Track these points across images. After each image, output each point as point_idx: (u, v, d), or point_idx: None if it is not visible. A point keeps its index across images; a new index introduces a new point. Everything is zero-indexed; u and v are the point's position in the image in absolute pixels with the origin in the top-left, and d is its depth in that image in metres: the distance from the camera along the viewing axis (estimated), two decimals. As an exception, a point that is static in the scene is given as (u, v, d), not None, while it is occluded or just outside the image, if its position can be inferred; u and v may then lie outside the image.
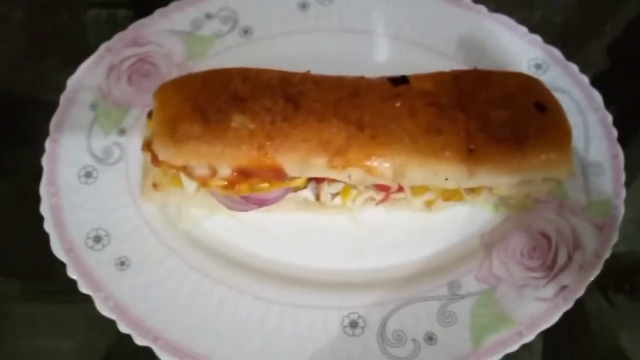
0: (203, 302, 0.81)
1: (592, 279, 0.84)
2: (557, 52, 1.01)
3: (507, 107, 0.83)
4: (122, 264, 0.82)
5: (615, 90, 1.24)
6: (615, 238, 0.87)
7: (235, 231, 0.88)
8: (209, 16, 0.99)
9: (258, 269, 0.86)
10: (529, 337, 0.80)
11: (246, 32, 1.00)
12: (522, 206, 0.90)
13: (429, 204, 0.88)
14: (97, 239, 0.83)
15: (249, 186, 0.81)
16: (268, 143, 0.78)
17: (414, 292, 0.84)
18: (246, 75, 0.83)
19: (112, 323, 0.78)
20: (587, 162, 0.93)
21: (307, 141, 0.79)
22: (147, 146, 0.81)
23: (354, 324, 0.81)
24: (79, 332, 0.86)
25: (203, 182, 0.81)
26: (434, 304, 0.83)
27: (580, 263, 0.85)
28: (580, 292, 0.83)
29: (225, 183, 0.80)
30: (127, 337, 0.78)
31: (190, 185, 0.82)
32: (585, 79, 0.99)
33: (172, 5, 0.99)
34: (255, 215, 0.89)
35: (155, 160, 0.80)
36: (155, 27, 0.97)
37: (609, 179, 0.91)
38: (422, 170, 0.80)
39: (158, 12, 0.98)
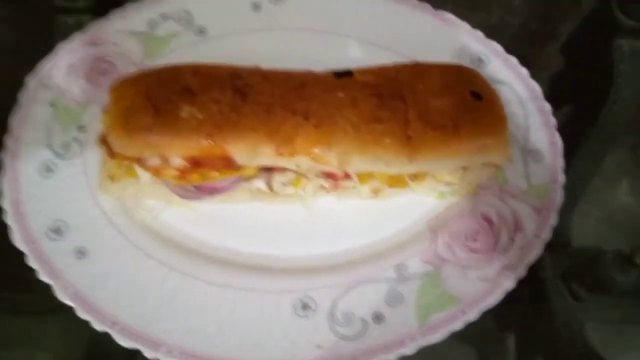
0: (158, 289, 0.84)
1: (532, 259, 0.88)
2: (497, 47, 1.06)
3: (444, 96, 0.87)
4: (81, 253, 0.85)
5: (571, 89, 1.30)
6: (553, 220, 0.91)
7: (191, 221, 0.91)
8: (164, 17, 1.03)
9: (212, 256, 0.89)
10: (472, 315, 0.84)
11: (201, 31, 1.04)
12: (465, 192, 0.95)
13: (375, 191, 0.93)
14: (57, 230, 0.86)
15: (200, 175, 0.85)
16: (216, 132, 0.82)
17: (364, 274, 0.88)
18: (197, 70, 0.87)
19: (86, 333, 0.80)
20: (526, 149, 0.97)
21: (255, 130, 0.83)
22: (102, 140, 0.84)
23: (305, 306, 0.85)
24: (55, 343, 0.88)
25: (156, 172, 0.84)
26: (382, 285, 0.87)
27: (520, 244, 0.89)
28: (521, 272, 0.87)
29: (177, 173, 0.84)
30: (101, 347, 0.80)
31: (144, 175, 0.86)
32: (524, 71, 1.04)
33: (128, 7, 1.03)
34: (211, 206, 0.92)
35: (110, 152, 0.84)
36: (112, 27, 1.01)
37: (548, 164, 0.96)
38: (364, 157, 0.85)
39: (115, 14, 1.02)
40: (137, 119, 0.82)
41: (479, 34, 1.07)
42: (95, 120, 0.93)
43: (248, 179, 0.90)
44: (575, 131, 1.12)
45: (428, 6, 1.09)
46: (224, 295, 0.85)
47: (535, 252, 0.88)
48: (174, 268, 0.86)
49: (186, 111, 0.82)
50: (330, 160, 0.84)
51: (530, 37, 1.43)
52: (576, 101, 1.28)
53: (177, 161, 0.83)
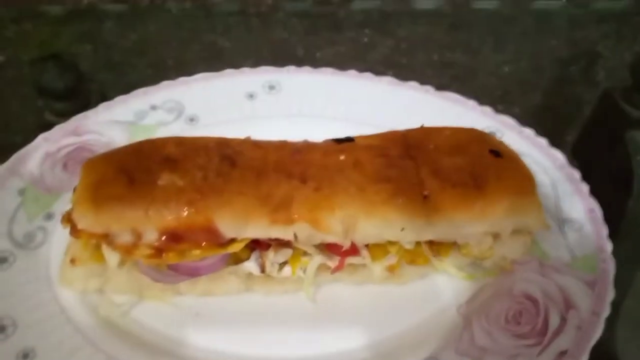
0: (120, 400, 0.65)
1: (594, 341, 0.70)
2: (509, 120, 0.98)
3: (459, 154, 0.77)
4: (26, 356, 0.68)
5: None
6: (611, 293, 0.75)
7: (168, 318, 0.75)
8: (153, 107, 0.98)
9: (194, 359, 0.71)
10: (532, 418, 0.64)
11: (192, 120, 0.98)
12: (498, 270, 0.80)
13: (391, 269, 0.77)
14: (1, 329, 0.70)
15: (178, 254, 0.71)
16: (199, 198, 0.70)
17: (383, 373, 0.69)
18: (181, 141, 0.79)
19: None
20: (562, 219, 0.84)
21: (243, 195, 0.71)
22: (67, 217, 0.73)
23: (311, 417, 0.65)
24: None
25: (126, 251, 0.70)
26: (408, 386, 0.68)
27: (576, 324, 0.72)
28: (584, 358, 0.69)
29: (151, 251, 0.70)
30: None
31: (112, 258, 0.72)
32: (543, 142, 0.95)
33: (116, 99, 0.98)
34: (192, 300, 0.77)
35: (74, 230, 0.71)
36: (97, 118, 0.95)
37: (589, 233, 0.82)
38: (373, 221, 0.71)
39: (102, 105, 0.97)
40: (107, 189, 0.71)
41: (488, 109, 1.01)
42: (66, 208, 0.82)
43: (236, 261, 0.76)
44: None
45: (431, 88, 1.04)
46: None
47: (596, 333, 0.71)
48: (142, 373, 0.68)
49: (165, 179, 0.72)
50: (334, 226, 0.71)
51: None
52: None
53: (152, 236, 0.70)
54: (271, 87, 1.04)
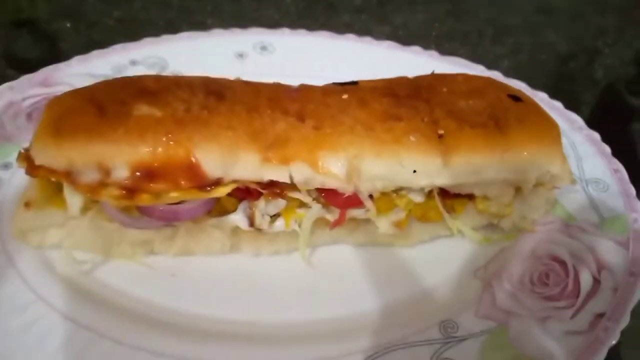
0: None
1: (633, 303, 0.61)
2: (521, 84, 0.91)
3: (476, 97, 0.69)
4: (-38, 312, 0.56)
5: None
6: (647, 254, 0.66)
7: (139, 279, 0.64)
8: (133, 62, 0.89)
9: (169, 324, 0.60)
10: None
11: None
12: (517, 232, 0.71)
13: (398, 225, 0.67)
14: None
15: (153, 196, 0.60)
16: (179, 129, 0.60)
17: (394, 337, 0.59)
18: (160, 77, 0.70)
19: None
20: (585, 180, 0.76)
21: (232, 129, 0.62)
22: (24, 155, 0.62)
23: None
24: None
25: (92, 191, 0.60)
26: (423, 350, 0.58)
27: (611, 285, 0.62)
28: (624, 321, 0.59)
29: (121, 191, 0.60)
30: None
31: (75, 201, 0.61)
32: (558, 104, 0.88)
33: (93, 53, 0.89)
34: (168, 260, 0.67)
35: (31, 167, 0.61)
36: (69, 70, 0.86)
37: (617, 193, 0.74)
38: (382, 162, 0.62)
39: (76, 58, 0.88)
40: (72, 119, 0.61)
41: (497, 73, 0.93)
42: (27, 157, 0.72)
43: (221, 212, 0.66)
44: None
45: (435, 53, 0.97)
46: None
47: (635, 295, 0.61)
48: (103, 334, 0.57)
49: (141, 110, 0.62)
50: (336, 169, 0.61)
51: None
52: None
53: (122, 173, 0.59)
54: (263, 48, 0.96)
